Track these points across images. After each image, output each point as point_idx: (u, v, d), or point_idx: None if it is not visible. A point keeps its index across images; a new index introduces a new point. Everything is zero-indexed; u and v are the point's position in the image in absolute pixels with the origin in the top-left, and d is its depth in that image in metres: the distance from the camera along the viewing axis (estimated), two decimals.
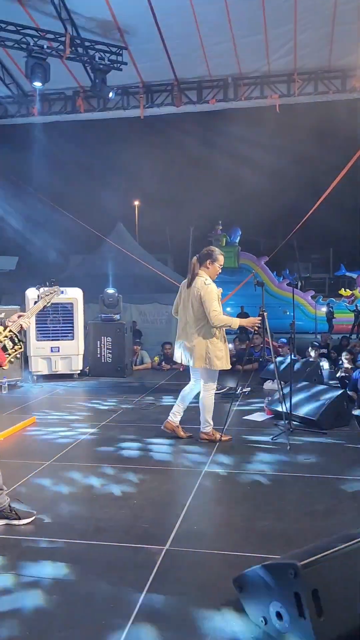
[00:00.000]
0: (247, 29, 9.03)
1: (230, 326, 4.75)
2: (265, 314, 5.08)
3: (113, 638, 2.21)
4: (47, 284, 3.57)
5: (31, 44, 8.33)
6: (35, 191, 13.31)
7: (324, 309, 24.38)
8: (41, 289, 3.95)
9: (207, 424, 4.85)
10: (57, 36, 8.60)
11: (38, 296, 3.53)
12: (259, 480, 3.96)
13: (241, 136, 13.43)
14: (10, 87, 10.50)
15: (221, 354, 4.69)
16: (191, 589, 2.56)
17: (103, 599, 2.48)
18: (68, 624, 2.31)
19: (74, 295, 8.23)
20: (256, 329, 4.91)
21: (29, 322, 3.31)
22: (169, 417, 5.00)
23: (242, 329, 8.95)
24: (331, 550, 2.13)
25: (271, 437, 4.98)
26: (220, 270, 4.86)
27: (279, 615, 2.15)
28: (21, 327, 3.24)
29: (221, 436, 4.87)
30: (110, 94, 9.25)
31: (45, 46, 8.46)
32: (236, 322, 4.79)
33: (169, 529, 3.15)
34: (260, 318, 4.99)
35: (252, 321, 4.98)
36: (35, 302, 3.60)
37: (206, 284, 4.66)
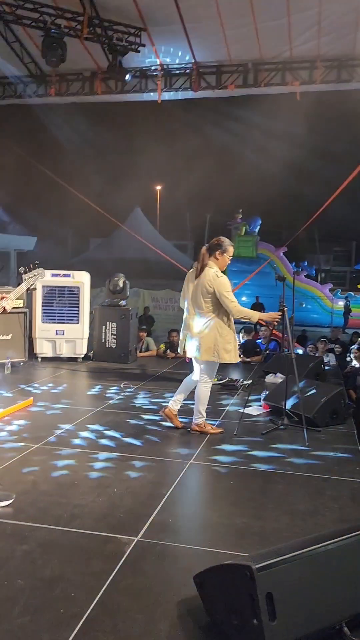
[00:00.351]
0: (269, 12, 8.82)
1: (249, 319, 4.68)
2: (285, 309, 4.95)
3: (69, 627, 2.20)
4: (31, 266, 3.52)
5: (48, 22, 8.25)
6: (53, 173, 13.27)
7: (341, 303, 24.07)
8: (28, 273, 3.92)
9: (199, 416, 4.81)
10: (75, 15, 8.50)
11: (22, 278, 3.50)
12: (244, 475, 3.92)
13: (261, 124, 13.20)
14: (29, 66, 10.44)
15: (230, 347, 4.62)
16: (154, 582, 2.54)
17: (65, 587, 2.48)
18: (27, 610, 2.31)
19: (80, 279, 8.21)
20: (275, 324, 4.82)
21: (11, 304, 3.29)
22: (169, 404, 4.97)
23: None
24: (289, 555, 2.08)
25: (263, 432, 4.92)
26: (229, 262, 4.78)
27: (233, 616, 2.12)
28: (4, 309, 3.22)
29: (212, 429, 4.83)
30: (127, 77, 9.13)
31: (62, 25, 8.37)
32: (256, 316, 4.72)
33: (143, 520, 3.14)
34: (280, 313, 4.87)
35: (272, 316, 4.87)
36: (19, 284, 3.57)
37: (218, 276, 4.58)
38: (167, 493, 3.52)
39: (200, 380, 4.77)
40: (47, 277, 8.13)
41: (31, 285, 3.48)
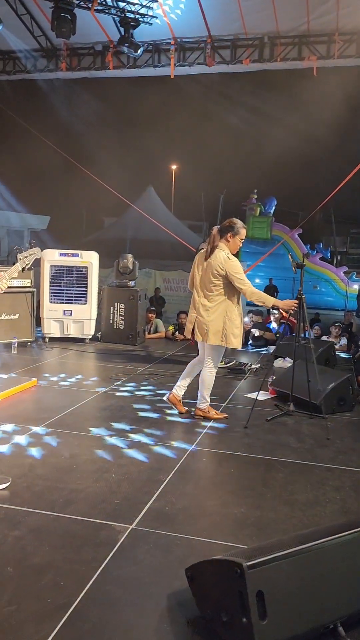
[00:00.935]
0: None
1: (264, 303, 4.58)
2: (303, 297, 4.80)
3: (54, 618, 2.15)
4: (28, 245, 3.44)
5: None
6: (64, 151, 13.08)
7: (356, 286, 23.68)
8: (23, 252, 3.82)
9: (203, 401, 4.73)
10: None
11: (17, 257, 3.41)
12: (246, 463, 3.84)
13: (277, 101, 12.84)
14: (39, 39, 10.21)
15: (238, 332, 4.53)
16: (146, 573, 2.49)
17: (54, 575, 2.43)
18: (14, 599, 2.26)
19: (89, 259, 8.12)
20: (291, 311, 4.65)
21: (6, 284, 3.20)
22: (173, 390, 4.89)
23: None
24: (281, 552, 1.99)
25: (268, 417, 4.83)
26: (241, 245, 4.65)
27: (223, 613, 2.05)
28: None
29: (216, 414, 4.75)
30: (139, 51, 8.88)
31: None
32: (271, 301, 4.59)
33: (139, 508, 3.08)
34: (297, 301, 4.70)
35: (288, 304, 4.66)
36: (14, 264, 3.48)
37: (230, 259, 4.45)
38: (165, 480, 3.45)
39: (206, 365, 4.68)
40: (55, 257, 8.10)
41: (27, 264, 3.39)
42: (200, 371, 4.75)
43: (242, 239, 4.60)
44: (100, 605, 2.24)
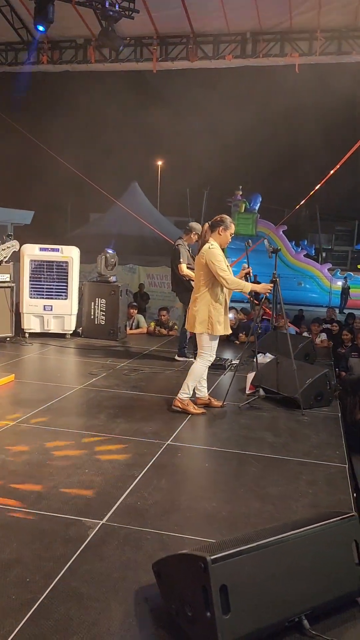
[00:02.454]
0: None
1: (242, 289, 4.67)
2: (277, 279, 4.97)
3: (18, 615, 2.13)
4: (5, 238, 3.40)
5: None
6: (47, 146, 12.96)
7: (340, 283, 23.86)
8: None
9: (185, 392, 4.74)
10: None
11: None
12: (220, 457, 3.84)
13: (260, 97, 12.84)
14: (20, 32, 10.09)
15: (222, 319, 4.61)
16: (114, 568, 2.47)
17: (20, 572, 2.40)
18: None
19: (69, 254, 8.05)
20: (267, 294, 4.79)
21: None
22: (197, 395, 4.92)
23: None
24: (245, 546, 1.99)
25: (241, 405, 4.86)
26: (230, 239, 4.75)
27: (187, 607, 2.04)
28: None
29: (194, 409, 4.74)
30: (121, 47, 8.81)
31: None
32: (248, 286, 4.68)
33: (111, 503, 3.06)
34: (272, 285, 4.85)
35: (265, 287, 4.88)
36: None
37: (210, 248, 4.55)
38: (139, 475, 3.44)
39: (199, 356, 4.72)
40: (34, 252, 8.02)
41: (4, 257, 3.36)
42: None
43: (232, 234, 4.73)
44: (65, 601, 2.22)
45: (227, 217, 4.74)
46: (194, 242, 6.62)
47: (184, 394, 4.75)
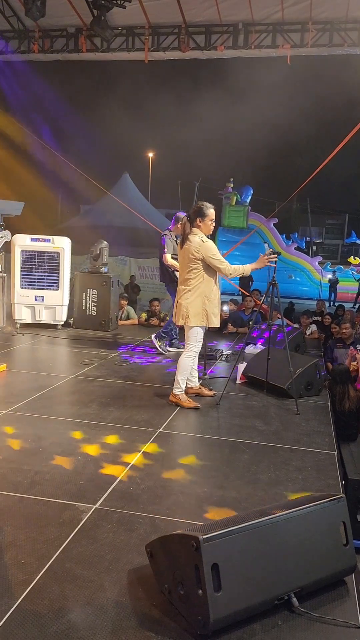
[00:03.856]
0: None
1: (243, 273, 4.66)
2: (276, 283, 4.98)
3: (15, 594, 2.17)
4: None
5: None
6: (37, 136, 12.87)
7: (330, 276, 24.01)
8: None
9: (178, 386, 4.74)
10: None
11: None
12: (211, 444, 3.90)
13: (252, 89, 12.82)
14: (10, 20, 9.99)
15: (217, 311, 4.62)
16: (107, 550, 2.52)
17: (16, 553, 2.44)
18: None
19: (61, 244, 8.04)
20: (268, 264, 4.66)
21: None
22: (188, 384, 4.92)
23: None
24: (236, 526, 2.04)
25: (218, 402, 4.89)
26: (212, 225, 4.69)
27: (180, 586, 2.09)
28: None
29: (187, 402, 4.73)
30: (111, 38, 8.76)
31: None
32: (248, 268, 4.66)
33: (104, 488, 3.10)
34: (270, 255, 4.71)
35: (262, 260, 4.70)
36: None
37: (204, 242, 4.53)
38: (131, 461, 3.48)
39: (186, 347, 4.72)
40: (25, 242, 8.00)
41: None
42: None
43: (212, 220, 4.65)
44: (60, 582, 2.27)
45: (204, 203, 4.65)
46: (180, 233, 6.61)
47: (177, 389, 4.75)
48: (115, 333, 8.14)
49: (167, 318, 8.64)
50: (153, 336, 6.87)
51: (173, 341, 6.95)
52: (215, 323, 4.61)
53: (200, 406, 4.70)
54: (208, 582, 1.96)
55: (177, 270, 6.39)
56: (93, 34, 9.58)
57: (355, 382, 5.77)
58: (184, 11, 9.46)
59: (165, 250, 6.45)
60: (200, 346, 4.80)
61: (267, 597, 2.09)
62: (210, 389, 5.12)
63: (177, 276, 6.38)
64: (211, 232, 4.72)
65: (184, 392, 4.77)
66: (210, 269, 4.55)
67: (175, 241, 6.60)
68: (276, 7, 9.06)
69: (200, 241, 4.52)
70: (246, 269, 4.64)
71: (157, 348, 6.76)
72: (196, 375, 5.06)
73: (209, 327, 4.78)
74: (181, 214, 6.72)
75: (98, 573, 2.34)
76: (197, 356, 4.85)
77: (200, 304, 4.54)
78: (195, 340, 4.69)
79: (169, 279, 6.56)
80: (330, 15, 9.00)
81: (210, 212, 4.63)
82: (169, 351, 6.86)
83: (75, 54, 10.25)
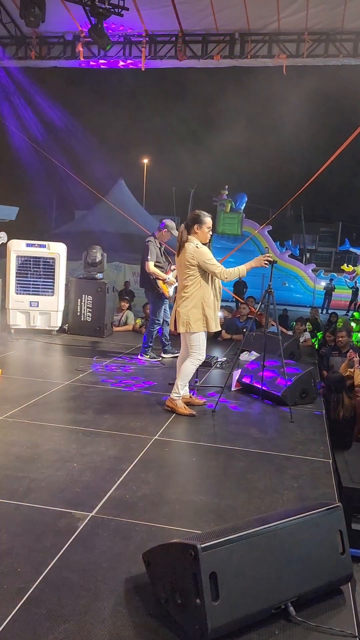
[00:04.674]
0: None
1: (240, 276, 4.67)
2: (272, 291, 5.01)
3: (11, 603, 2.16)
4: None
5: None
6: (31, 142, 12.89)
7: (323, 283, 24.13)
8: None
9: (177, 392, 4.73)
10: None
11: None
12: (207, 452, 3.90)
13: (247, 98, 12.93)
14: (8, 27, 10.03)
15: (215, 315, 4.64)
16: (104, 559, 2.51)
17: (12, 562, 2.43)
18: None
19: (56, 250, 8.04)
20: (264, 264, 4.66)
21: None
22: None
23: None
24: (234, 535, 2.05)
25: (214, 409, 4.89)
26: (210, 233, 4.72)
27: (177, 595, 2.09)
28: None
29: (184, 409, 4.72)
30: (108, 47, 8.81)
31: None
32: (243, 269, 4.66)
33: (100, 495, 3.10)
34: (266, 256, 4.73)
35: (259, 260, 4.71)
36: None
37: (198, 247, 4.55)
38: (127, 469, 3.48)
39: (190, 355, 4.70)
40: (21, 247, 8.00)
41: None
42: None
43: (209, 227, 4.68)
44: (56, 590, 2.26)
45: (201, 212, 4.69)
46: (166, 240, 6.66)
47: (175, 394, 4.74)
48: (110, 339, 8.13)
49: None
50: (139, 356, 6.84)
51: (166, 348, 6.95)
52: (214, 327, 4.62)
53: (195, 413, 4.70)
54: (206, 591, 1.96)
55: (159, 279, 6.43)
56: (90, 42, 9.63)
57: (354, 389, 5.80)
58: (181, 20, 9.54)
59: (149, 257, 6.42)
60: (204, 353, 4.78)
61: (264, 606, 2.09)
62: (201, 398, 5.11)
63: (158, 285, 6.43)
64: (207, 240, 4.74)
65: (181, 398, 4.77)
66: (207, 275, 4.58)
67: (159, 248, 6.60)
68: (273, 17, 9.15)
69: (195, 247, 4.55)
70: (241, 269, 4.65)
71: (149, 362, 6.72)
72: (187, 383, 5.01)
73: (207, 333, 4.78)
74: (168, 221, 6.74)
75: (95, 582, 2.34)
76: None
77: (200, 310, 4.56)
78: (199, 347, 4.67)
79: (149, 285, 6.56)
80: (326, 26, 9.10)
81: (208, 220, 4.67)
82: (163, 357, 6.86)
83: (73, 61, 10.29)
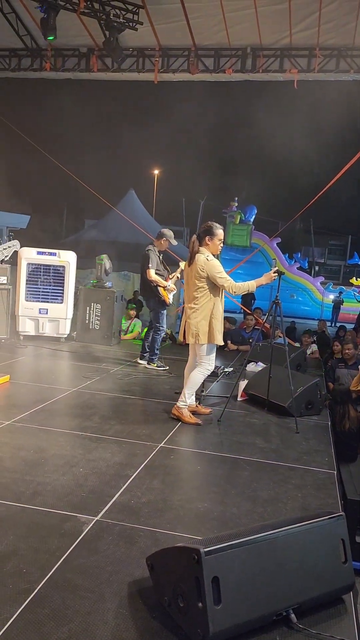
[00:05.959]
0: None
1: (250, 290, 4.70)
2: (279, 302, 5.06)
3: (16, 602, 2.19)
4: (6, 238, 3.47)
5: None
6: (45, 151, 13.05)
7: (332, 296, 24.13)
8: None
9: (183, 401, 4.75)
10: None
11: None
12: (212, 460, 3.93)
13: (259, 112, 13.05)
14: (24, 39, 10.22)
15: (221, 329, 4.67)
16: (108, 562, 2.54)
17: (18, 562, 2.47)
18: None
19: (66, 258, 8.13)
20: (274, 277, 4.74)
21: None
22: (186, 403, 4.90)
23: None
24: (237, 540, 2.08)
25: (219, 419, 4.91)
26: (221, 245, 4.75)
27: (180, 598, 2.12)
28: None
29: (190, 418, 4.74)
30: (120, 59, 8.97)
31: None
32: (253, 284, 4.69)
33: (105, 500, 3.13)
34: (274, 273, 4.79)
35: (269, 276, 4.75)
36: None
37: (209, 260, 4.58)
38: (132, 475, 3.51)
39: (199, 365, 4.71)
40: (32, 255, 8.10)
41: (5, 257, 3.43)
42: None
43: (220, 239, 4.71)
44: (61, 591, 2.29)
45: (214, 223, 4.72)
46: (164, 249, 6.77)
47: (181, 403, 4.76)
48: (118, 347, 8.19)
49: (168, 332, 8.67)
50: (145, 364, 6.92)
51: (144, 354, 7.02)
52: (219, 340, 4.64)
53: (202, 423, 4.72)
54: (208, 595, 1.98)
55: (160, 286, 6.55)
56: (105, 55, 9.80)
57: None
58: (194, 35, 9.69)
59: (150, 265, 6.53)
60: (213, 363, 4.81)
61: (266, 612, 2.11)
62: (207, 407, 5.13)
63: (159, 292, 6.55)
64: (218, 252, 4.77)
65: (187, 407, 4.80)
66: (216, 287, 4.61)
67: (159, 257, 6.72)
68: (285, 32, 9.27)
69: (205, 259, 4.58)
70: (251, 285, 4.68)
71: (156, 370, 6.80)
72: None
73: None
74: (165, 231, 6.86)
75: (99, 584, 2.37)
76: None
77: (207, 322, 4.59)
78: (208, 358, 4.69)
79: (150, 293, 6.66)
80: (337, 42, 9.21)
81: (219, 232, 4.70)
82: (139, 363, 6.93)
83: (86, 73, 10.46)
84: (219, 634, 1.98)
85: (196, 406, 5.05)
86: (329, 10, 8.68)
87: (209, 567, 2.00)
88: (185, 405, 4.77)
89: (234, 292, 4.62)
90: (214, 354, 4.76)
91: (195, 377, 4.74)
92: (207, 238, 4.66)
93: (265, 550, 2.13)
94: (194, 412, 4.90)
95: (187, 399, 4.78)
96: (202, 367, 4.72)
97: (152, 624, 2.15)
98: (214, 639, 1.97)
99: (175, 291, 6.86)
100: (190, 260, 4.68)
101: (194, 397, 5.03)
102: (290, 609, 2.18)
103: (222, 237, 4.72)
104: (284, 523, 2.29)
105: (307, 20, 8.97)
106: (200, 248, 4.66)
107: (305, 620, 2.22)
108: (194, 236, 4.74)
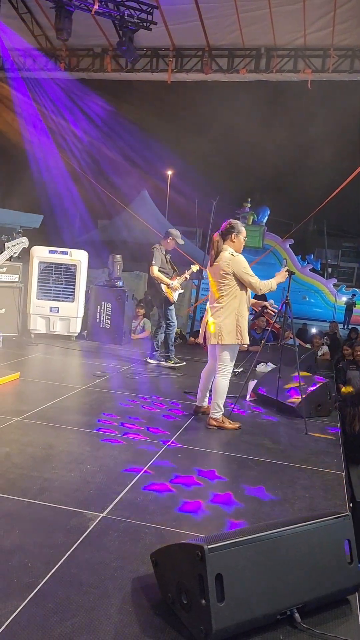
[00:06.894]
0: None
1: (271, 289, 4.67)
2: (290, 302, 5.08)
3: (20, 596, 2.20)
4: (14, 235, 3.50)
5: None
6: (60, 150, 13.15)
7: (344, 299, 23.97)
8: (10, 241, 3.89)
9: (217, 409, 4.61)
10: None
11: (4, 246, 3.47)
12: (220, 460, 3.92)
13: (273, 111, 13.01)
14: (39, 39, 10.29)
15: (247, 326, 4.58)
16: (113, 558, 2.54)
17: (23, 557, 2.48)
18: None
19: (78, 257, 8.17)
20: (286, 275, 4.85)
21: None
22: (200, 404, 4.92)
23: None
24: (242, 538, 2.07)
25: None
26: (244, 243, 4.70)
27: (183, 595, 2.11)
28: None
29: (230, 424, 4.64)
30: (131, 59, 9.01)
31: None
32: (274, 282, 4.70)
33: (111, 497, 3.13)
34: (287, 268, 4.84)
35: (283, 275, 4.83)
36: (1, 252, 3.54)
37: (235, 256, 4.51)
38: (139, 473, 3.51)
39: (219, 371, 4.58)
40: (44, 254, 8.15)
41: (14, 253, 3.46)
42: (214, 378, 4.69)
43: (245, 237, 4.68)
44: (65, 586, 2.29)
45: (236, 221, 4.68)
46: (171, 248, 6.80)
47: (216, 413, 4.62)
48: (128, 346, 8.20)
49: (178, 331, 8.67)
50: (149, 359, 6.96)
51: (154, 353, 7.04)
52: (246, 339, 4.52)
53: (241, 427, 4.65)
54: (212, 592, 1.98)
55: (163, 283, 6.58)
56: (119, 55, 9.84)
57: None
58: (208, 35, 9.69)
59: (153, 262, 6.58)
60: (232, 366, 4.67)
61: (270, 611, 2.10)
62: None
63: (163, 289, 6.59)
64: (241, 250, 4.69)
65: (222, 413, 4.65)
66: (242, 285, 4.51)
67: (165, 256, 6.75)
68: (299, 33, 9.24)
69: (231, 255, 4.50)
70: (273, 283, 4.66)
71: (161, 364, 6.84)
72: (207, 394, 4.97)
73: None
74: (173, 230, 6.90)
75: (103, 580, 2.37)
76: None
77: (234, 321, 4.46)
78: (229, 361, 4.56)
79: (155, 291, 6.71)
80: (352, 42, 9.16)
81: (244, 230, 4.68)
82: (150, 363, 6.93)
83: (100, 73, 10.51)
84: (221, 631, 1.97)
85: (208, 407, 5.02)
86: (344, 10, 8.63)
87: (213, 564, 1.99)
88: (221, 412, 4.62)
89: (260, 290, 4.53)
90: (235, 355, 4.62)
91: (220, 385, 4.58)
92: (232, 235, 4.58)
93: (270, 548, 2.12)
94: (204, 413, 4.87)
95: (221, 407, 4.62)
96: (222, 372, 4.57)
97: (155, 620, 2.15)
98: (217, 636, 1.97)
99: (181, 290, 6.88)
100: (214, 260, 4.58)
101: (207, 399, 4.94)
102: (295, 608, 2.17)
103: (245, 236, 4.69)
104: (289, 522, 2.28)
105: (322, 20, 8.93)
106: (224, 245, 4.59)
107: (310, 619, 2.20)
108: (216, 234, 4.65)
